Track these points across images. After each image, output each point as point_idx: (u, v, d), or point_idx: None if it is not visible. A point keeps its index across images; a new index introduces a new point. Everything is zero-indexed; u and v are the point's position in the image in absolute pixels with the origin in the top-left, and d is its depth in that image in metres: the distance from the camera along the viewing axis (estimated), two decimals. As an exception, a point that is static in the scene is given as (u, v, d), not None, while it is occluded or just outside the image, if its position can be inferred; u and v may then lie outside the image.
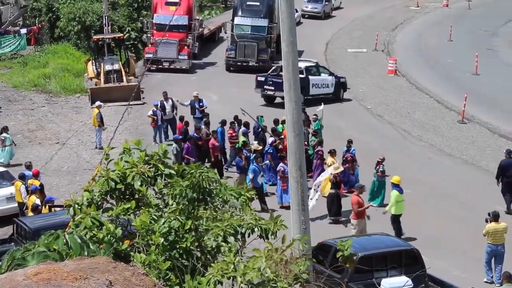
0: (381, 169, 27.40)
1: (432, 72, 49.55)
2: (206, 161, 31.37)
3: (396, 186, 24.87)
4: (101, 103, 35.24)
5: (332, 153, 28.67)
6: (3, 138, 31.64)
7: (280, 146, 29.65)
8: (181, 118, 33.29)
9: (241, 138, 30.62)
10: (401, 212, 24.80)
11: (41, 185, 25.91)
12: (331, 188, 26.62)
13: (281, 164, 27.81)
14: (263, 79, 40.46)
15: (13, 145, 32.27)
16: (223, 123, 32.08)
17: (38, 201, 24.69)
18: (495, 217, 22.33)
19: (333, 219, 26.42)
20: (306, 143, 30.37)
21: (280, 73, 37.24)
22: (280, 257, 9.41)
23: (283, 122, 32.86)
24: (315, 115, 33.24)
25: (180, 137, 30.60)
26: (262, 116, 32.73)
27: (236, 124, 32.01)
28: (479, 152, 33.90)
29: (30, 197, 25.17)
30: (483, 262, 22.71)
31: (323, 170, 28.61)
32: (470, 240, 25.14)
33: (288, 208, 27.05)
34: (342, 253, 10.93)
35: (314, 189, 26.17)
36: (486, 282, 22.45)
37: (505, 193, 27.32)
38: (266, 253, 9.46)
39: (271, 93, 39.87)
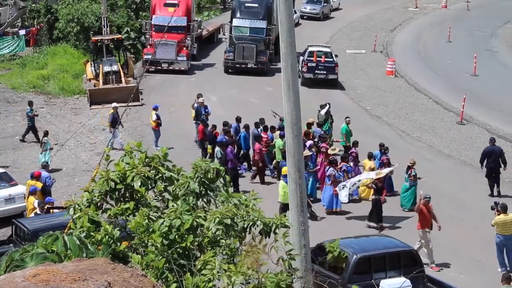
0: (413, 173, 27.55)
1: (431, 73, 49.56)
2: (246, 165, 31.14)
3: (284, 176, 25.59)
4: (117, 105, 34.95)
5: (370, 156, 28.79)
6: (45, 141, 31.41)
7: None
8: (202, 121, 32.78)
9: (279, 142, 29.89)
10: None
11: (43, 187, 25.99)
12: (373, 194, 26.62)
13: (331, 168, 27.65)
14: (314, 64, 44.18)
15: (50, 149, 31.84)
16: (247, 127, 31.36)
17: (36, 203, 24.72)
18: (503, 209, 22.87)
19: (371, 225, 26.31)
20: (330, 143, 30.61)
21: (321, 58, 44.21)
22: (255, 253, 9.45)
23: (312, 124, 32.92)
24: (347, 117, 33.40)
25: (225, 140, 30.05)
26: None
27: (254, 127, 31.52)
28: (478, 153, 33.75)
29: (29, 198, 25.19)
30: (496, 255, 23.04)
31: (358, 172, 28.85)
32: (469, 241, 25.18)
33: (337, 213, 27.11)
34: (332, 254, 11.02)
35: (348, 187, 26.35)
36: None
37: (489, 178, 29.23)
38: (243, 256, 9.51)
39: (323, 76, 44.41)
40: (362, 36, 60.86)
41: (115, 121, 33.86)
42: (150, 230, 10.29)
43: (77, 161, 32.95)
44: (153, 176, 11.01)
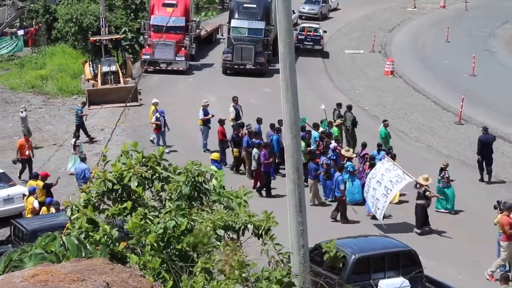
0: (447, 175, 27.56)
1: (429, 73, 49.60)
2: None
3: (214, 161, 26.56)
4: (157, 100, 34.83)
5: (393, 157, 28.82)
6: (77, 144, 31.20)
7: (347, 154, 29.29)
8: (221, 121, 32.20)
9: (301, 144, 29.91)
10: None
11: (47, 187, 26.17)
12: (417, 199, 26.22)
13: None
14: (303, 37, 53.41)
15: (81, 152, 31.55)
16: (279, 130, 30.57)
17: (36, 203, 24.74)
18: (507, 209, 22.89)
19: (421, 231, 25.99)
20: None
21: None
22: (235, 258, 9.50)
23: (337, 125, 32.85)
24: (386, 120, 33.36)
25: (261, 142, 29.81)
26: (304, 117, 32.37)
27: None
28: (475, 153, 33.88)
29: (28, 198, 25.21)
30: (497, 253, 23.11)
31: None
32: (467, 241, 25.20)
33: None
34: (329, 255, 11.05)
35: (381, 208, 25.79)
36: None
37: (480, 165, 30.87)
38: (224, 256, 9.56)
39: (310, 46, 53.38)
40: (361, 36, 60.88)
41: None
42: (147, 230, 10.32)
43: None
44: (150, 176, 11.01)
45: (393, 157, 29.19)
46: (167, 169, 11.21)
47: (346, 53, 55.30)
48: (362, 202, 27.80)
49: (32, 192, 25.42)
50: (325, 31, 55.17)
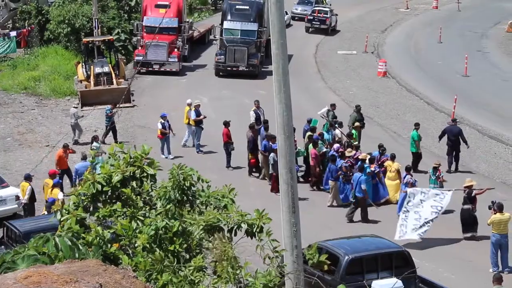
0: (442, 175, 27.69)
1: (422, 74, 49.64)
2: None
3: None
4: (191, 101, 34.49)
5: (393, 157, 29.02)
6: (94, 148, 30.41)
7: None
8: (226, 123, 31.76)
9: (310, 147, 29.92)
10: None
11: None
12: (463, 204, 25.78)
13: (407, 175, 27.24)
14: (311, 17, 61.61)
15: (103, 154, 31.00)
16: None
17: (61, 195, 24.75)
18: (499, 208, 23.12)
19: (469, 236, 25.53)
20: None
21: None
22: (225, 254, 9.51)
23: (355, 127, 32.82)
24: (418, 123, 33.10)
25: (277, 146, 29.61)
26: (316, 120, 32.21)
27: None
28: (469, 153, 33.96)
29: (53, 190, 25.21)
30: (490, 254, 23.19)
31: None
32: (460, 242, 25.23)
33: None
34: (313, 261, 11.06)
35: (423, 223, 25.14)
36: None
37: (449, 155, 32.05)
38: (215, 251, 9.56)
39: (317, 26, 61.41)
40: (353, 37, 60.92)
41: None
42: (137, 231, 10.32)
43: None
44: (138, 175, 10.99)
45: (393, 158, 29.18)
46: (153, 166, 11.19)
47: (339, 53, 55.31)
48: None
49: (56, 184, 25.49)
50: (336, 14, 63.33)
